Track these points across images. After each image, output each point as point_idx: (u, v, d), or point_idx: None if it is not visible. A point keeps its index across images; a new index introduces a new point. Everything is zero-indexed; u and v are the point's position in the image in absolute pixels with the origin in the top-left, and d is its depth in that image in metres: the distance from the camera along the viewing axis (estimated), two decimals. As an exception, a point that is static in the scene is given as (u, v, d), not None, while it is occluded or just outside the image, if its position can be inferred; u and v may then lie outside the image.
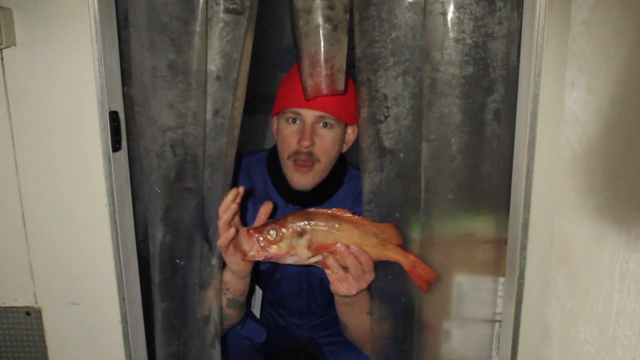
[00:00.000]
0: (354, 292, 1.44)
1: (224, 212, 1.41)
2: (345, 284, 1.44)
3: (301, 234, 1.39)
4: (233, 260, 1.50)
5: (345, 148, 1.76)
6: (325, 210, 1.42)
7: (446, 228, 1.39)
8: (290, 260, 1.42)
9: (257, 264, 1.62)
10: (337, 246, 1.39)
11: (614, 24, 1.07)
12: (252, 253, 1.40)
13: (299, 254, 1.39)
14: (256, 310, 1.92)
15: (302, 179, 1.69)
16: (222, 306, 1.65)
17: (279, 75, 3.01)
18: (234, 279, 1.58)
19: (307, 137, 1.62)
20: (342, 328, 1.74)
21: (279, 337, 2.04)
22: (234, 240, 1.46)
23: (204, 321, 1.55)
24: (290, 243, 1.39)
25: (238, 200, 1.43)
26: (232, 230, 1.42)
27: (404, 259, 1.42)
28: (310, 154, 1.64)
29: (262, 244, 1.39)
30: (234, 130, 1.45)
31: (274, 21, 3.05)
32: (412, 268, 1.42)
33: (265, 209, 1.51)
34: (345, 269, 1.42)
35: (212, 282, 1.54)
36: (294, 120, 1.65)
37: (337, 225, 1.40)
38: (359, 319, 1.63)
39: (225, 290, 1.62)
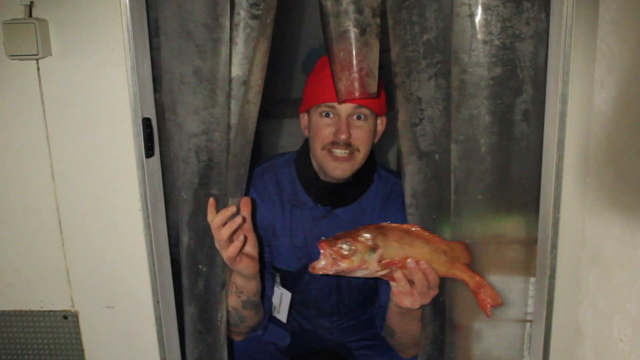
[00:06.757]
0: (416, 307, 1.42)
1: (221, 225, 1.42)
2: (409, 298, 1.41)
3: (374, 248, 1.35)
4: (241, 266, 1.52)
5: (376, 139, 1.75)
6: (398, 226, 1.38)
7: (476, 228, 1.39)
8: (359, 273, 1.37)
9: (261, 262, 1.63)
10: (408, 262, 1.35)
11: (644, 23, 1.07)
12: (322, 264, 1.35)
13: (370, 269, 1.35)
14: (282, 315, 1.92)
15: (339, 167, 1.65)
16: (238, 308, 1.67)
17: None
18: (246, 281, 1.60)
19: (344, 129, 1.61)
20: (388, 333, 1.73)
21: (305, 341, 2.04)
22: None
23: (219, 323, 1.57)
24: (362, 258, 1.34)
25: (245, 213, 1.46)
26: (242, 238, 1.44)
27: (470, 279, 1.39)
28: (348, 144, 1.63)
29: (333, 257, 1.34)
30: (245, 133, 1.45)
31: (303, 24, 3.07)
32: (477, 288, 1.39)
33: (245, 207, 1.50)
34: (411, 283, 1.40)
35: (226, 285, 1.56)
36: (328, 115, 1.65)
37: (408, 241, 1.37)
38: (410, 327, 1.63)
39: (239, 293, 1.64)
